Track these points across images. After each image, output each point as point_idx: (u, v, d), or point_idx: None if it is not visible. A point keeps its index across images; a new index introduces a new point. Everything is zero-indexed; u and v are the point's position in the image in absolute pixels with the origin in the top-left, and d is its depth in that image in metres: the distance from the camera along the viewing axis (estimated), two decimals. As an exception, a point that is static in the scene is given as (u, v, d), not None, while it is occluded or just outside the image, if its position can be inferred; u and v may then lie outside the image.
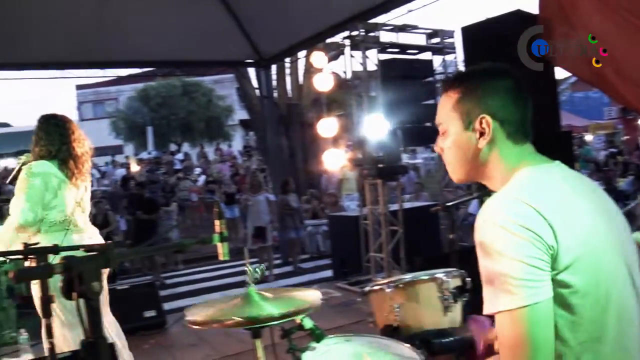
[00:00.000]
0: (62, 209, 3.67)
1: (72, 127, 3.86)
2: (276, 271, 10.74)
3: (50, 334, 1.96)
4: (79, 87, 39.46)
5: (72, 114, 40.51)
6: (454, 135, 1.67)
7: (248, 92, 14.94)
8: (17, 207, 3.57)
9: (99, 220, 11.72)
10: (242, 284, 7.87)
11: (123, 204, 13.44)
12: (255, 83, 13.51)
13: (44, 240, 3.43)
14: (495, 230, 1.43)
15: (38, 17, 7.99)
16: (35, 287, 3.64)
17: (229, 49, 10.21)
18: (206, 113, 32.66)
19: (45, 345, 2.00)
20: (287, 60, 13.27)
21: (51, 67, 9.91)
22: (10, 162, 27.18)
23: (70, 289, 1.29)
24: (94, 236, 3.91)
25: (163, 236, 11.00)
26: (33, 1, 7.85)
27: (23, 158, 3.82)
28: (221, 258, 2.01)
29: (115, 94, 37.72)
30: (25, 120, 79.54)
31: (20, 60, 9.00)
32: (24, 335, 5.65)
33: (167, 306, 7.20)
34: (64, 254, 1.51)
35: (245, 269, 2.33)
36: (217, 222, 2.01)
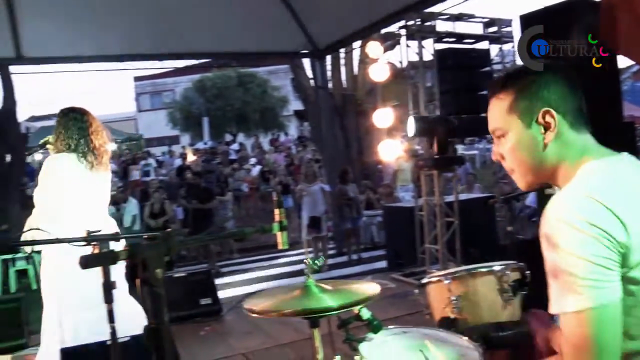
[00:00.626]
0: (79, 200, 3.76)
1: (90, 119, 3.94)
2: (330, 261, 10.75)
3: (111, 319, 2.00)
4: (137, 78, 40.18)
5: (131, 105, 41.40)
6: (516, 136, 1.61)
7: (303, 82, 14.96)
8: (39, 199, 3.73)
9: (156, 209, 11.95)
10: (296, 274, 7.96)
11: (180, 193, 13.65)
12: (310, 73, 13.52)
13: (67, 229, 3.49)
14: (562, 226, 1.39)
15: (98, 11, 8.14)
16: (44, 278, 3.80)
17: (284, 40, 10.22)
18: (261, 104, 32.87)
19: (107, 329, 2.03)
20: (342, 50, 13.22)
21: (110, 60, 10.09)
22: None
23: (134, 275, 1.32)
24: (112, 225, 3.97)
25: (220, 226, 11.14)
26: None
27: (47, 139, 3.97)
28: (280, 247, 2.02)
29: (172, 85, 38.28)
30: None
31: (81, 53, 9.18)
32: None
33: (222, 294, 7.28)
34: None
35: (300, 258, 2.33)
36: (276, 211, 2.01)
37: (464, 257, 7.37)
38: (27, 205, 13.07)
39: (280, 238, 2.02)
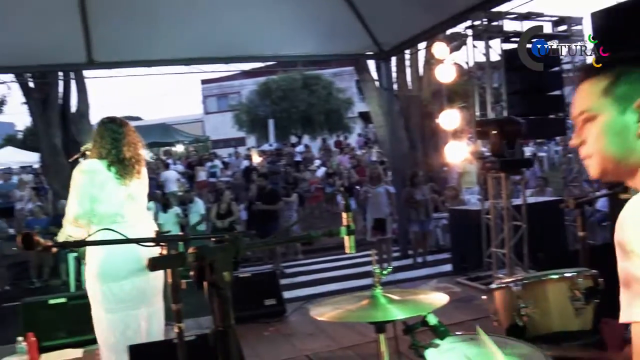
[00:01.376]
0: (110, 204, 3.88)
1: (126, 131, 4.07)
2: (395, 264, 10.68)
3: (179, 319, 2.03)
4: (204, 81, 40.93)
5: (198, 108, 42.19)
6: (607, 121, 1.50)
7: (368, 84, 14.92)
8: (69, 202, 3.90)
9: (222, 209, 12.12)
10: (360, 275, 7.92)
11: (246, 194, 13.81)
12: (375, 75, 13.46)
13: (99, 232, 3.65)
14: (637, 230, 1.32)
15: (167, 16, 8.29)
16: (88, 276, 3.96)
17: (349, 42, 10.21)
18: (326, 105, 32.97)
19: (175, 329, 2.06)
20: (407, 51, 13.13)
21: (178, 63, 10.28)
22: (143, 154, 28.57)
23: (201, 277, 1.33)
24: (149, 230, 3.99)
25: (285, 227, 11.20)
26: (160, 1, 8.17)
27: (87, 146, 4.14)
28: (347, 251, 2.00)
29: (238, 87, 38.80)
30: (155, 114, 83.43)
31: (149, 57, 9.39)
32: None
33: (286, 295, 7.30)
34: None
35: (364, 260, 2.32)
36: (344, 215, 2.00)
37: (532, 262, 7.19)
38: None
39: (348, 242, 2.01)
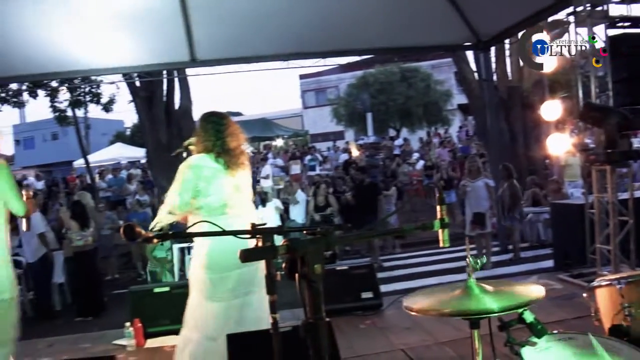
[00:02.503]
0: (218, 196, 3.99)
1: (228, 123, 4.20)
2: (494, 259, 10.46)
3: (274, 310, 2.06)
4: (302, 76, 41.40)
5: (297, 103, 42.73)
6: None
7: (467, 75, 14.64)
8: (170, 193, 4.05)
9: (320, 202, 12.23)
10: (458, 270, 7.81)
11: (344, 187, 13.87)
12: (474, 66, 13.21)
13: (206, 224, 3.76)
14: None
15: (266, 13, 8.42)
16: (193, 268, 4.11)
17: (447, 33, 10.04)
18: (424, 98, 32.67)
19: (269, 320, 2.11)
20: (507, 41, 12.79)
21: (276, 59, 10.43)
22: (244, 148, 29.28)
23: (292, 270, 1.35)
24: (255, 220, 4.03)
25: (382, 220, 11.18)
26: (258, 1, 8.32)
27: (190, 141, 4.28)
28: (442, 245, 1.98)
29: (336, 81, 39.00)
30: (255, 109, 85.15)
31: (248, 54, 9.57)
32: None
33: (383, 288, 7.28)
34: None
35: (462, 254, 2.28)
36: (438, 208, 1.98)
37: (639, 259, 6.87)
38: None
39: (442, 236, 1.99)
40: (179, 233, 1.93)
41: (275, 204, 12.55)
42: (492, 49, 11.65)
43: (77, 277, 9.64)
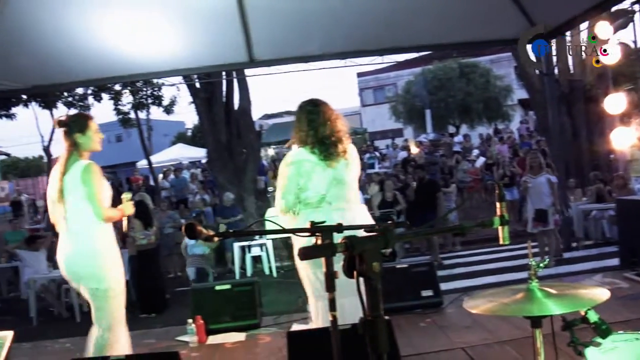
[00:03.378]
0: (317, 190, 3.90)
1: (322, 110, 4.07)
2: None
3: (333, 307, 2.07)
4: (360, 74, 41.37)
5: (354, 101, 42.79)
6: None
7: (527, 70, 14.39)
8: (276, 195, 4.06)
9: (388, 197, 12.19)
10: (519, 268, 7.65)
11: (403, 185, 13.80)
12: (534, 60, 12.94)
13: (303, 218, 3.90)
14: None
15: (323, 11, 8.43)
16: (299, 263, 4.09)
17: (506, 27, 9.83)
18: (484, 94, 32.24)
19: (329, 317, 2.11)
20: (568, 33, 12.48)
21: (334, 58, 10.42)
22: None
23: (351, 267, 1.36)
24: (358, 213, 4.07)
25: (443, 218, 11.09)
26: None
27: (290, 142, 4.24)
28: (501, 242, 1.95)
29: (394, 79, 38.84)
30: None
31: (306, 53, 9.59)
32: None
33: (443, 286, 7.20)
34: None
35: (523, 252, 2.24)
36: (497, 205, 1.95)
37: None
38: (260, 197, 14.04)
39: (502, 233, 1.96)
40: (239, 231, 1.96)
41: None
42: (553, 41, 11.40)
43: (141, 275, 9.86)
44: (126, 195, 4.46)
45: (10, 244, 13.43)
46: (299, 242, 3.98)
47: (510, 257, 10.74)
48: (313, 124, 3.98)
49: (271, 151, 27.24)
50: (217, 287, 6.38)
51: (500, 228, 1.94)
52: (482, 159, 19.36)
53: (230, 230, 1.97)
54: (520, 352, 4.90)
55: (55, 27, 7.71)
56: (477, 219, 11.14)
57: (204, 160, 24.44)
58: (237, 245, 11.84)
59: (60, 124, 4.32)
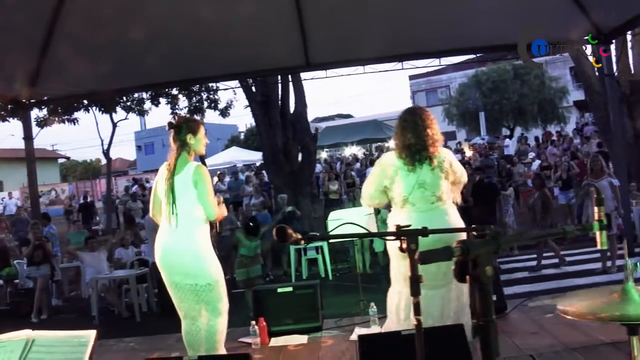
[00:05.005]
0: (400, 192, 4.22)
1: (415, 119, 4.34)
2: (618, 262, 9.98)
3: (417, 312, 2.07)
4: (412, 77, 41.20)
5: (407, 103, 42.69)
6: None
7: (585, 70, 14.09)
8: (364, 185, 4.54)
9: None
10: (581, 274, 7.50)
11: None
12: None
13: (392, 217, 4.35)
14: None
15: (377, 14, 8.41)
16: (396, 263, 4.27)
17: (562, 26, 9.64)
18: (538, 96, 31.75)
19: (413, 321, 2.11)
20: (629, 33, 12.18)
21: (388, 60, 10.39)
22: (354, 150, 29.45)
23: (463, 272, 1.35)
24: (442, 215, 4.28)
25: (501, 222, 10.96)
26: (370, 2, 8.30)
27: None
28: (599, 247, 1.92)
29: (447, 81, 38.57)
30: (365, 111, 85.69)
31: (361, 55, 9.60)
32: (373, 308, 6.10)
33: (505, 291, 7.10)
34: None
35: (582, 257, 2.20)
36: (596, 209, 1.93)
37: None
38: (315, 200, 14.04)
39: (600, 237, 1.93)
40: (325, 235, 1.97)
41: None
42: (613, 41, 11.13)
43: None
44: (219, 198, 4.66)
45: (72, 244, 13.78)
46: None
47: (570, 262, 10.53)
48: (404, 131, 4.31)
49: (324, 154, 27.32)
50: (279, 290, 6.43)
51: (598, 233, 1.91)
52: (537, 162, 19.03)
53: (316, 234, 1.99)
54: (589, 360, 4.80)
55: (112, 35, 7.90)
56: (534, 224, 10.95)
57: (258, 163, 24.66)
58: (293, 248, 11.89)
59: (172, 125, 4.55)
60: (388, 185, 4.25)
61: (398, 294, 4.34)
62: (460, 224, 4.32)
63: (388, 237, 1.96)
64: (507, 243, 1.48)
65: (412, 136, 4.23)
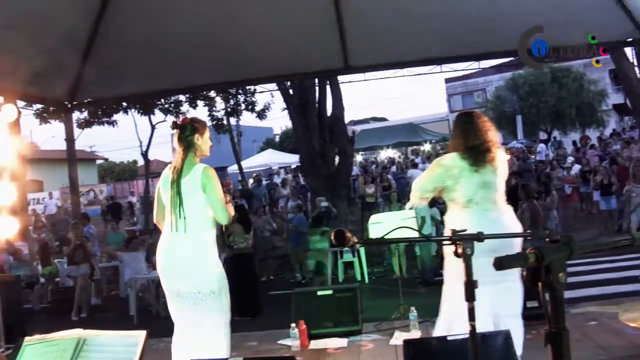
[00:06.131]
0: (464, 192, 4.22)
1: (474, 121, 4.41)
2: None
3: (472, 317, 2.05)
4: (447, 80, 40.90)
5: (443, 106, 42.42)
6: None
7: (627, 73, 13.87)
8: (416, 179, 4.60)
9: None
10: (622, 281, 7.36)
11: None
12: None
13: (452, 217, 4.36)
14: None
15: (416, 17, 8.36)
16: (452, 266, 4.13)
17: (605, 29, 9.45)
18: (577, 99, 31.29)
19: (468, 327, 2.09)
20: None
21: (426, 64, 10.33)
22: (389, 153, 29.38)
23: (535, 278, 1.34)
24: (502, 214, 4.33)
25: (543, 227, 10.80)
26: (409, 2, 8.27)
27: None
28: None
29: (483, 84, 38.26)
30: (399, 114, 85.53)
31: (401, 59, 9.56)
32: (414, 312, 6.08)
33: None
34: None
35: (623, 265, 2.15)
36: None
37: None
38: (351, 203, 14.02)
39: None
40: (379, 239, 1.97)
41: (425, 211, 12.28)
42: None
43: (237, 278, 9.97)
44: (226, 198, 4.45)
45: (111, 245, 13.95)
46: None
47: (613, 268, 10.33)
48: (466, 133, 4.36)
49: (359, 157, 27.29)
50: (319, 292, 6.44)
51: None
52: (577, 166, 18.72)
53: (371, 238, 1.98)
54: (637, 370, 4.70)
55: (154, 38, 8.00)
56: (574, 229, 10.79)
57: (293, 166, 24.72)
58: (329, 251, 11.87)
59: (176, 125, 4.40)
60: (450, 186, 4.27)
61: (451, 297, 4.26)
62: (518, 223, 4.46)
63: (444, 242, 1.93)
64: (580, 249, 1.45)
65: (476, 138, 4.28)
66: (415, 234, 3.55)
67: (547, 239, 1.42)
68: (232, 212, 4.44)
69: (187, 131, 4.34)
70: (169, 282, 4.28)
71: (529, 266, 1.35)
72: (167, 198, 4.25)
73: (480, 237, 2.01)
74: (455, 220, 4.17)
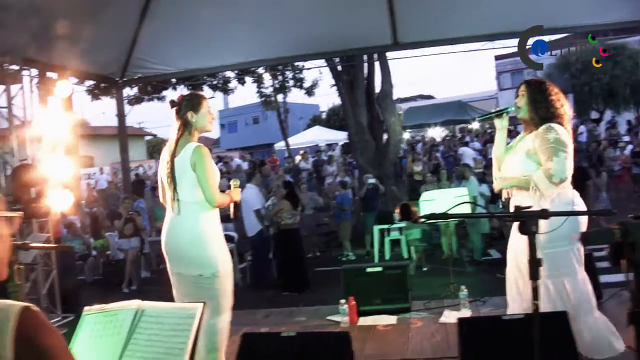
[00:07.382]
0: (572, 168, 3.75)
1: (547, 89, 4.38)
2: None
3: (536, 296, 2.01)
4: (497, 57, 40.11)
5: (492, 84, 41.63)
6: None
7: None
8: (557, 165, 3.69)
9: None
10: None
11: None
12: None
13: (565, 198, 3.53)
14: None
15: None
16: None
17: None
18: (632, 77, 30.33)
19: (532, 305, 2.05)
20: None
21: (475, 40, 10.16)
22: (436, 132, 29.06)
23: (618, 254, 1.29)
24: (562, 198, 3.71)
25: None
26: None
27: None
28: None
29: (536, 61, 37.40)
30: (447, 91, 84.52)
31: (448, 35, 9.41)
32: (464, 291, 6.03)
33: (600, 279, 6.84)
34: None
35: None
36: None
37: None
38: (399, 180, 13.87)
39: None
40: (443, 214, 1.93)
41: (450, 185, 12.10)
42: None
43: (284, 253, 10.07)
44: (235, 182, 4.36)
45: (158, 220, 14.17)
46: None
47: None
48: (560, 102, 4.28)
49: (407, 135, 27.02)
50: (369, 269, 6.42)
51: None
52: (630, 147, 18.22)
53: (435, 213, 1.95)
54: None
55: (203, 15, 8.02)
56: (627, 212, 10.48)
57: (340, 143, 24.67)
58: (376, 228, 11.85)
59: (173, 103, 4.20)
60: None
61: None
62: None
63: (508, 219, 1.88)
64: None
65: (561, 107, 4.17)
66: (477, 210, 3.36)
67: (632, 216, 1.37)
68: (237, 198, 4.33)
69: (181, 109, 4.14)
70: (171, 266, 4.20)
71: (612, 242, 1.31)
72: (164, 178, 4.14)
73: (545, 214, 1.96)
74: (577, 201, 3.34)
